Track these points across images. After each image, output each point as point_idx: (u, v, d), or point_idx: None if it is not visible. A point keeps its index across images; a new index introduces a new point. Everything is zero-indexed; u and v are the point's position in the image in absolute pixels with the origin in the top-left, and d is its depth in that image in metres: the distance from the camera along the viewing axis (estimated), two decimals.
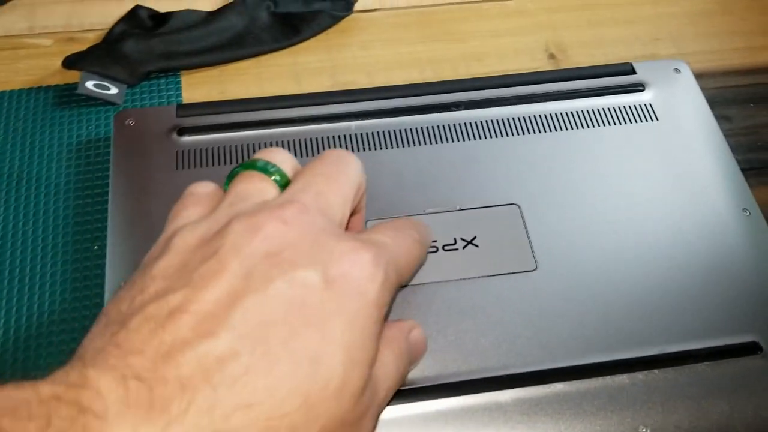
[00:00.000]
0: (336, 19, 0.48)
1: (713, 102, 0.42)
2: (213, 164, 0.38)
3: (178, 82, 0.45)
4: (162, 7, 0.48)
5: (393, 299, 0.27)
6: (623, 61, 0.44)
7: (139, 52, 0.44)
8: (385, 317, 0.26)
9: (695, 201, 0.38)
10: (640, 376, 0.33)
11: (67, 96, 0.44)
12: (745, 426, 0.32)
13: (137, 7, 0.48)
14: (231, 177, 0.28)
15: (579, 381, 0.32)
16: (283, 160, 0.28)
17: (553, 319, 0.34)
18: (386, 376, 0.27)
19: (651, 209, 0.38)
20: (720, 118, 0.42)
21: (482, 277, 0.35)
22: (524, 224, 0.37)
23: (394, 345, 0.28)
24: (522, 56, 0.47)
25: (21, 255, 0.37)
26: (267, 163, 0.28)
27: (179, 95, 0.45)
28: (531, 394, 0.32)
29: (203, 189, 0.29)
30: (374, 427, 0.26)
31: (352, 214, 0.30)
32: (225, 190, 0.28)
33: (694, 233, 0.37)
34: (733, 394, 0.32)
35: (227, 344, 0.21)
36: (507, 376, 0.32)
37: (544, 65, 0.46)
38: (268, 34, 0.46)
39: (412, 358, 0.29)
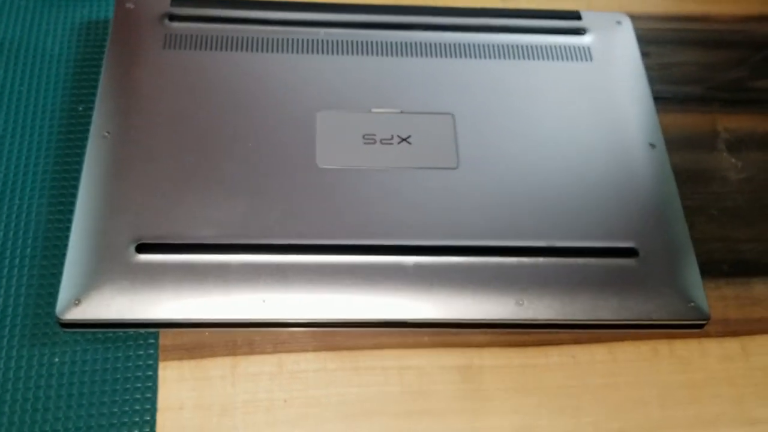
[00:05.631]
0: None
1: (638, 39, 0.48)
2: (195, 48, 0.44)
3: None
4: None
5: None
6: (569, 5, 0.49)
7: None
8: None
9: (610, 131, 0.43)
10: (525, 260, 0.38)
11: None
12: (610, 312, 0.38)
13: None
14: None
15: (474, 257, 0.38)
16: None
17: (464, 207, 0.40)
18: None
19: (569, 133, 0.43)
20: (641, 53, 0.47)
21: (409, 168, 0.41)
22: (455, 131, 0.42)
23: None
24: None
25: (15, 114, 0.43)
26: None
27: None
28: (430, 262, 0.38)
29: None
30: None
31: None
32: None
33: (602, 155, 0.42)
34: (605, 286, 0.38)
35: None
36: (413, 246, 0.38)
37: None
38: None
39: None
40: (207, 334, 0.37)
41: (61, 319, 0.35)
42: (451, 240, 0.39)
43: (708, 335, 0.39)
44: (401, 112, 0.43)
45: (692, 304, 0.38)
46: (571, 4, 0.52)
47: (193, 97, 0.42)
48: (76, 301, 0.35)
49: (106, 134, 0.40)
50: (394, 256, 0.38)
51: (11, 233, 0.39)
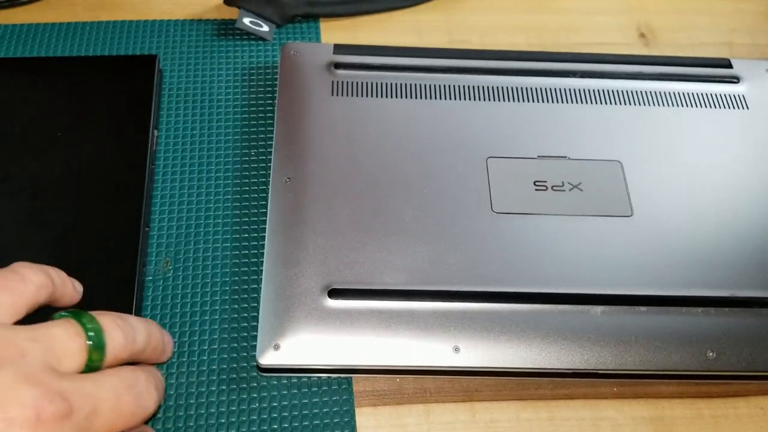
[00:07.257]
0: None
1: None
2: (360, 95, 0.45)
3: (317, 27, 0.52)
4: None
5: None
6: (707, 47, 0.51)
7: None
8: None
9: None
10: (711, 310, 0.38)
11: (224, 29, 0.51)
12: None
13: None
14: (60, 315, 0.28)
15: (660, 306, 0.38)
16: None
17: (643, 256, 0.40)
18: None
19: (736, 181, 0.43)
20: None
21: (585, 215, 0.41)
22: (624, 179, 0.43)
23: None
24: (615, 32, 0.54)
25: (191, 159, 0.44)
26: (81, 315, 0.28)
27: (318, 38, 0.51)
28: (617, 311, 0.38)
29: (29, 276, 0.28)
30: None
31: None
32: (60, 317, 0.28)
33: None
34: None
35: None
36: (599, 295, 0.38)
37: (634, 41, 0.53)
38: None
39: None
40: (398, 380, 0.37)
41: (261, 364, 0.36)
42: (634, 289, 0.39)
43: None
44: (568, 158, 0.43)
45: None
46: (713, 51, 0.53)
47: (365, 142, 0.43)
48: (276, 346, 0.36)
49: (287, 180, 0.41)
50: (580, 305, 0.38)
51: (200, 277, 0.39)
